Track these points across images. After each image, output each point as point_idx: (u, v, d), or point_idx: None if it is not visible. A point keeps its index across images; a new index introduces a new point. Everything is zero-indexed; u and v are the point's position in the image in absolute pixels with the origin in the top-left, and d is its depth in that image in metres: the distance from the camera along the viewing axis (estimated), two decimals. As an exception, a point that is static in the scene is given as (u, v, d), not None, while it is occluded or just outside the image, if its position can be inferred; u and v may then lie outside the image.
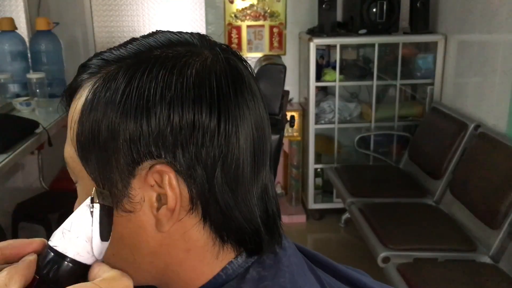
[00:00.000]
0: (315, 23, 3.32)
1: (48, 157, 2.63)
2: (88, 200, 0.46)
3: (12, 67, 2.44)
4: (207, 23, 3.54)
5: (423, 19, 3.16)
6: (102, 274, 0.46)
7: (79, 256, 0.45)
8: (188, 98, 0.47)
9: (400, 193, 2.79)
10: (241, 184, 0.51)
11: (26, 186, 2.65)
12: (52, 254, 0.45)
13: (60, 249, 0.45)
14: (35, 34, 2.56)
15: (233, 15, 3.51)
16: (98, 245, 0.46)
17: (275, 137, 2.26)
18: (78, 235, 0.46)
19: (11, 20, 2.40)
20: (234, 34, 3.53)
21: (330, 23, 3.20)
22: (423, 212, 2.55)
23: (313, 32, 3.27)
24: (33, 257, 0.46)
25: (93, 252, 0.46)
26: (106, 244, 0.48)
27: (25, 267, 0.45)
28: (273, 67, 2.42)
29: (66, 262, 0.45)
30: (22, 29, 2.67)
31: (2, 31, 2.39)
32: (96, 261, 0.47)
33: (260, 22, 3.53)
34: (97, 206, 0.46)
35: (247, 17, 3.52)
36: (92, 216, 0.46)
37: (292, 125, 3.14)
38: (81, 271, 0.46)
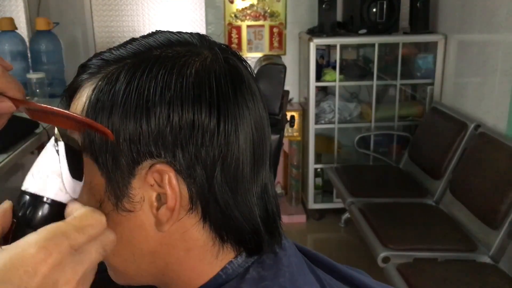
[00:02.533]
0: (315, 23, 3.32)
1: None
2: (52, 140, 0.46)
3: (12, 67, 2.43)
4: (207, 23, 3.54)
5: (423, 19, 3.16)
6: (75, 212, 0.45)
7: (53, 194, 0.45)
8: (188, 98, 0.47)
9: (400, 193, 2.79)
10: (241, 184, 0.51)
11: (26, 186, 2.65)
12: (27, 197, 0.45)
13: (33, 190, 0.45)
14: (35, 34, 2.56)
15: (233, 15, 3.51)
16: (69, 182, 0.45)
17: (275, 137, 2.26)
18: (47, 173, 0.45)
19: (11, 20, 2.40)
20: (234, 34, 3.53)
21: (330, 23, 3.20)
22: (423, 212, 2.55)
23: (313, 32, 3.27)
24: (7, 204, 0.46)
25: (66, 189, 0.45)
26: (80, 184, 0.47)
27: (1, 215, 0.45)
28: (273, 67, 2.42)
29: (41, 202, 0.44)
30: (22, 29, 2.67)
31: (2, 31, 2.39)
32: (71, 200, 0.46)
33: (260, 22, 3.53)
34: (61, 144, 0.46)
35: (247, 17, 3.52)
36: (58, 154, 0.45)
37: (292, 125, 3.14)
38: (57, 211, 0.45)
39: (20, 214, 0.45)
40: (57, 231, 0.42)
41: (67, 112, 0.48)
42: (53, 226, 0.42)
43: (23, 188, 0.45)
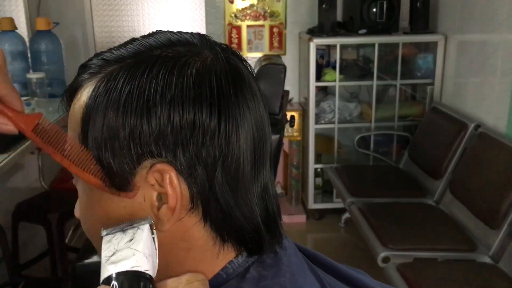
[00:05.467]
0: (315, 23, 3.32)
1: (48, 157, 2.62)
2: (148, 226, 0.48)
3: (12, 67, 2.44)
4: (207, 23, 3.54)
5: (423, 19, 3.16)
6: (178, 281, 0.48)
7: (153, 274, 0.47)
8: (188, 97, 0.47)
9: (400, 193, 2.79)
10: (242, 184, 0.51)
11: (26, 186, 2.66)
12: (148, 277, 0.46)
13: (149, 271, 0.46)
14: (35, 34, 2.56)
15: (233, 15, 3.51)
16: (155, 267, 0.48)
17: (275, 137, 2.26)
18: (153, 255, 0.47)
19: (11, 20, 2.40)
20: (234, 34, 3.53)
21: (330, 23, 3.20)
22: (423, 212, 2.55)
23: (313, 32, 3.27)
24: None
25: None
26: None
27: None
28: (273, 67, 2.42)
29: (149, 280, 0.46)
30: (22, 29, 2.67)
31: (2, 31, 2.39)
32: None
33: (260, 22, 3.53)
34: (155, 233, 0.48)
35: (247, 17, 3.52)
36: (154, 242, 0.48)
37: (292, 125, 3.14)
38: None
39: None
40: (196, 285, 0.47)
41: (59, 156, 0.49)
42: (190, 284, 0.47)
43: (142, 269, 0.45)
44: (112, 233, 0.47)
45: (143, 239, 0.46)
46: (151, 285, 0.45)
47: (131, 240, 0.46)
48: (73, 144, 0.50)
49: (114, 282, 0.44)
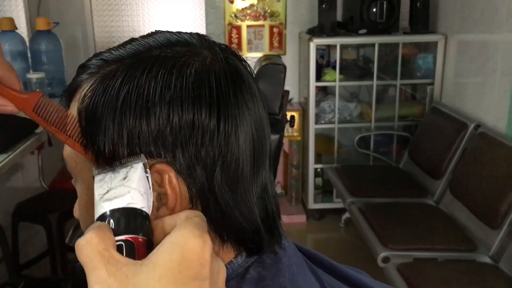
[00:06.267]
0: (315, 23, 3.32)
1: (48, 157, 2.63)
2: (142, 166, 0.46)
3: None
4: (207, 23, 3.54)
5: (423, 19, 3.16)
6: (176, 218, 0.45)
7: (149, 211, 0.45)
8: (188, 97, 0.47)
9: (400, 193, 2.79)
10: (241, 184, 0.51)
11: (26, 186, 2.66)
12: (143, 214, 0.44)
13: (144, 208, 0.44)
14: (35, 34, 2.56)
15: (233, 15, 3.51)
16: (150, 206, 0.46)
17: (275, 137, 2.26)
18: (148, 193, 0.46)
19: (11, 20, 2.40)
20: (234, 34, 3.53)
21: (330, 23, 3.20)
22: (423, 212, 2.55)
23: (313, 32, 3.27)
24: None
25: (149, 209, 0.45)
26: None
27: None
28: (273, 67, 2.42)
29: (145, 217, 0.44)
30: (22, 29, 2.67)
31: (2, 31, 2.39)
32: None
33: (260, 22, 3.53)
34: (149, 177, 0.46)
35: (247, 17, 3.52)
36: (148, 181, 0.46)
37: (292, 125, 3.14)
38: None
39: (140, 227, 0.43)
40: (196, 220, 0.43)
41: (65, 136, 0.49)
42: (189, 219, 0.43)
43: (138, 207, 0.44)
44: (104, 172, 0.46)
45: (137, 177, 0.45)
46: (147, 222, 0.44)
47: (125, 178, 0.45)
48: (74, 123, 0.49)
49: (109, 219, 0.42)
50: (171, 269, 0.38)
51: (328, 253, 0.67)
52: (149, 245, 0.43)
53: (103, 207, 0.43)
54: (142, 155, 0.47)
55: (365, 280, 0.66)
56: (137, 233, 0.42)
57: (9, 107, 0.49)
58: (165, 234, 0.42)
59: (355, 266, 0.69)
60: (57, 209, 2.25)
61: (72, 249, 2.63)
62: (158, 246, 0.40)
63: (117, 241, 0.41)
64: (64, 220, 2.25)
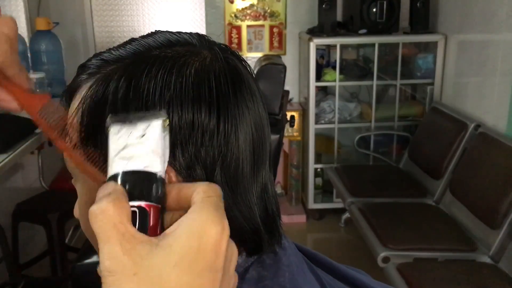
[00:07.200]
0: (315, 23, 3.32)
1: (48, 157, 2.63)
2: (161, 126, 0.41)
3: (12, 67, 2.43)
4: (207, 23, 3.54)
5: (423, 19, 3.16)
6: (192, 187, 0.41)
7: (163, 174, 0.41)
8: (187, 97, 0.47)
9: (400, 193, 2.79)
10: (241, 184, 0.51)
11: (26, 186, 2.66)
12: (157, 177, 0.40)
13: (158, 171, 0.41)
14: (35, 34, 2.56)
15: (233, 15, 3.51)
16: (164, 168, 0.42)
17: (275, 137, 2.26)
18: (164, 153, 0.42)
19: (11, 20, 2.39)
20: (234, 34, 3.53)
21: (330, 23, 3.20)
22: (423, 212, 2.55)
23: (313, 32, 3.27)
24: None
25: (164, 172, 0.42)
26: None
27: None
28: (273, 67, 2.42)
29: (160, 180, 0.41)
30: (22, 29, 2.67)
31: (2, 31, 2.38)
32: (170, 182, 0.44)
33: (260, 22, 3.53)
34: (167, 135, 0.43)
35: (247, 17, 3.52)
36: (164, 140, 0.42)
37: (292, 125, 3.14)
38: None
39: (154, 194, 0.40)
40: (215, 200, 0.39)
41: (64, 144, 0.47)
42: (208, 199, 0.39)
43: (155, 171, 0.40)
44: (120, 124, 0.41)
45: (156, 137, 0.41)
46: (162, 189, 0.41)
47: (142, 136, 0.41)
48: (75, 134, 0.49)
49: (124, 182, 0.39)
50: (187, 256, 0.37)
51: (328, 253, 0.67)
52: (162, 213, 0.41)
53: (118, 165, 0.40)
54: (163, 110, 0.44)
55: (365, 280, 0.66)
56: (151, 200, 0.39)
57: (13, 104, 0.49)
58: (179, 205, 0.40)
59: (355, 266, 0.69)
60: (57, 209, 2.25)
61: (72, 249, 2.64)
62: (174, 227, 0.38)
63: (130, 206, 0.39)
64: (64, 220, 2.25)
